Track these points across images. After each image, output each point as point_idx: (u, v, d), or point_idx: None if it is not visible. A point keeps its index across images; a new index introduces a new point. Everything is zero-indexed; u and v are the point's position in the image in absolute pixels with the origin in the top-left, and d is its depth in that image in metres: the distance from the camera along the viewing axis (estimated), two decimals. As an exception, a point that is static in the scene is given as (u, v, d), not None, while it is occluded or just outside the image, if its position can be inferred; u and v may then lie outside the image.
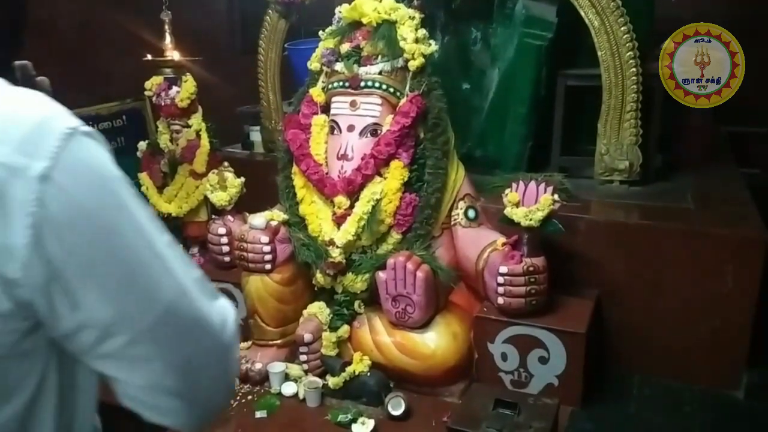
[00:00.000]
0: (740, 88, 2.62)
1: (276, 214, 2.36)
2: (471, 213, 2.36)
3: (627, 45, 2.54)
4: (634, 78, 2.57)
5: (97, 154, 0.59)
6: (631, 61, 2.55)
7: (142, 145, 2.93)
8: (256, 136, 3.59)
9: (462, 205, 2.37)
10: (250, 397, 2.24)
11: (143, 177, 2.87)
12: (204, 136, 2.77)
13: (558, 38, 2.78)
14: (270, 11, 3.26)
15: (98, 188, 0.57)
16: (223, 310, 0.67)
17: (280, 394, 2.23)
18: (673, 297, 2.25)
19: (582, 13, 2.57)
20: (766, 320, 2.19)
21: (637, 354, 2.32)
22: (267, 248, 2.27)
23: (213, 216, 2.75)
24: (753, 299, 2.12)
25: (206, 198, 2.70)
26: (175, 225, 2.86)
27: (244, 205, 2.66)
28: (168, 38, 2.77)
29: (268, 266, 2.29)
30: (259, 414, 2.13)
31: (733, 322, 2.17)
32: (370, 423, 2.01)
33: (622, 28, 2.52)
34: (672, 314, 2.26)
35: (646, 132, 2.67)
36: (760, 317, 2.15)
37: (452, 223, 2.37)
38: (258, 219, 2.30)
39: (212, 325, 0.65)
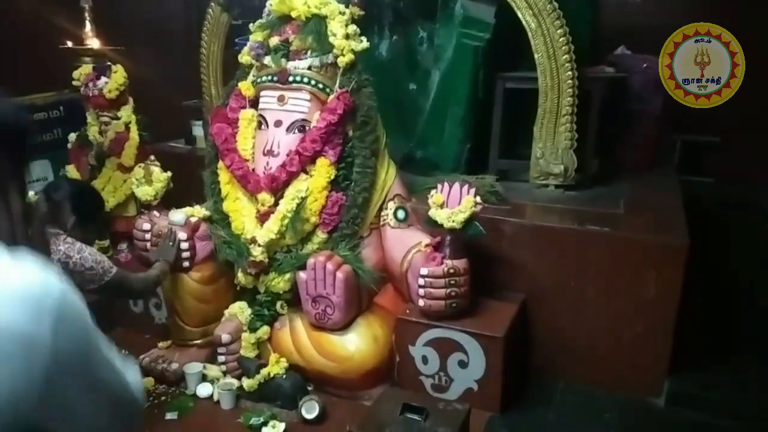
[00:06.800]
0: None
1: (197, 211, 2.30)
2: (400, 214, 2.32)
3: (563, 48, 2.52)
4: (570, 81, 2.55)
5: (77, 308, 0.74)
6: (567, 65, 2.53)
7: (72, 136, 2.84)
8: (198, 130, 3.50)
9: (391, 205, 2.32)
10: (164, 398, 2.18)
11: (71, 170, 2.78)
12: (134, 128, 2.69)
13: (501, 41, 2.75)
14: (212, 4, 3.19)
15: (80, 335, 0.74)
16: (137, 383, 0.89)
17: (195, 395, 2.17)
18: (597, 302, 2.23)
19: (519, 15, 2.54)
20: (688, 328, 2.17)
21: (561, 360, 2.30)
22: (185, 245, 2.20)
23: (141, 211, 2.67)
24: (674, 306, 2.11)
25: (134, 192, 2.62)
26: (102, 220, 2.78)
27: (184, 201, 2.58)
28: (88, 26, 2.69)
29: (185, 264, 2.22)
30: (169, 415, 2.06)
31: (656, 329, 2.16)
32: (281, 426, 1.96)
33: (559, 31, 2.50)
34: (596, 320, 2.24)
35: (582, 137, 2.65)
36: (682, 325, 2.14)
37: (381, 223, 2.33)
38: (177, 215, 2.24)
39: (137, 399, 0.88)
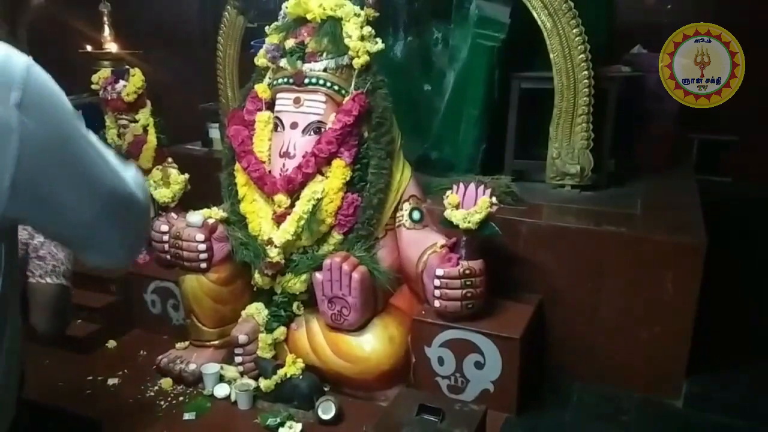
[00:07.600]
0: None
1: (214, 212, 2.31)
2: (416, 214, 2.32)
3: (579, 48, 2.51)
4: (585, 81, 2.54)
5: (48, 88, 0.70)
6: (582, 64, 2.52)
7: (91, 139, 2.87)
8: (215, 133, 3.54)
9: (407, 206, 2.33)
10: (182, 398, 2.19)
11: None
12: (151, 131, 2.72)
13: (516, 41, 2.75)
14: (228, 7, 3.22)
15: (54, 118, 0.68)
16: (137, 179, 0.85)
17: (212, 395, 2.19)
18: (614, 303, 2.21)
19: (534, 15, 2.54)
20: (706, 329, 2.15)
21: (578, 360, 2.29)
22: (202, 246, 2.22)
23: (159, 213, 2.70)
24: (692, 307, 2.09)
25: (152, 195, 2.64)
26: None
27: (201, 203, 2.59)
28: (107, 30, 2.72)
29: (203, 265, 2.24)
30: (187, 416, 2.08)
31: (673, 330, 2.14)
32: (297, 427, 1.97)
33: (574, 30, 2.49)
34: (613, 320, 2.22)
35: (598, 136, 2.64)
36: (700, 326, 2.12)
37: (396, 224, 2.33)
38: (195, 216, 2.26)
39: (137, 197, 0.84)
